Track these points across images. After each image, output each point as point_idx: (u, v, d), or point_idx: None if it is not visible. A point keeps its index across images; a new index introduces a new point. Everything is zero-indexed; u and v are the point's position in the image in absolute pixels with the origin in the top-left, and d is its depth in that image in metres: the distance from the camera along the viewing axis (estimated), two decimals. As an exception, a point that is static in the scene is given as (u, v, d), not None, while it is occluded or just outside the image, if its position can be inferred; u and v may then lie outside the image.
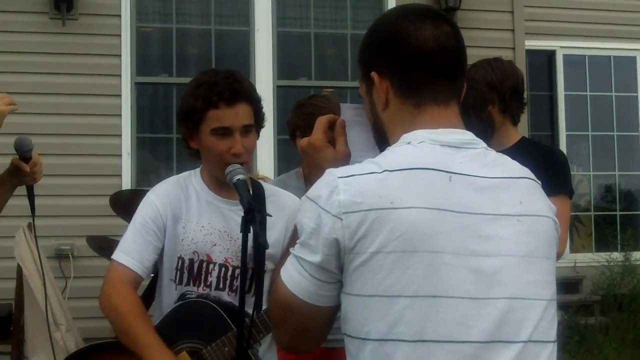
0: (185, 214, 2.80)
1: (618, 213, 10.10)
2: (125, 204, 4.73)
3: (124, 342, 2.68)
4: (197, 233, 2.78)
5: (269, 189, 2.93)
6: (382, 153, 1.70)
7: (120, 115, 6.81)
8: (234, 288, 2.77)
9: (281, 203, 2.87)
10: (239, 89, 2.72)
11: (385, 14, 1.86)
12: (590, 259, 9.31)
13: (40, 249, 5.69)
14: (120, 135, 6.79)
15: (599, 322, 8.71)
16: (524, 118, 7.79)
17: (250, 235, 2.34)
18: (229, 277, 2.78)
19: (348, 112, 1.91)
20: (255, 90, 2.85)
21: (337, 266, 1.60)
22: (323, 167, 1.73)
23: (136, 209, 2.86)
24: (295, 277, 1.64)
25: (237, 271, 2.76)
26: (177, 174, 2.96)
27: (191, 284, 2.78)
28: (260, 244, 2.28)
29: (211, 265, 2.77)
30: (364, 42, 1.83)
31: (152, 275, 2.93)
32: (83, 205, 6.56)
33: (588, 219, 10.01)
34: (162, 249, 2.80)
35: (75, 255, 6.54)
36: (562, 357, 7.05)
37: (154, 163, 7.18)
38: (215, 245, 2.78)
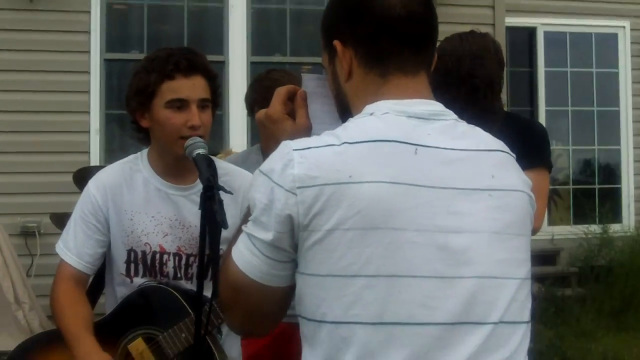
0: (130, 204, 2.66)
1: (596, 186, 10.19)
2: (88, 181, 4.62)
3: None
4: (147, 224, 2.65)
5: (222, 167, 2.72)
6: (343, 125, 1.59)
7: (88, 92, 6.74)
8: (190, 276, 2.67)
9: (234, 184, 2.67)
10: (196, 60, 2.60)
11: None
12: (568, 232, 9.41)
13: (6, 227, 5.63)
14: (89, 112, 6.73)
15: (576, 293, 8.79)
16: (503, 94, 7.77)
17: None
18: (183, 266, 2.67)
19: (310, 83, 1.80)
20: (212, 66, 2.71)
21: (291, 244, 1.50)
22: (281, 140, 1.60)
23: None
24: (246, 256, 1.54)
25: (192, 259, 2.66)
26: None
27: (147, 275, 2.66)
28: (219, 224, 2.14)
29: (165, 256, 2.66)
30: (327, 8, 1.73)
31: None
32: (50, 182, 6.50)
33: (566, 192, 10.09)
34: (109, 242, 2.69)
35: (42, 233, 6.50)
36: (539, 329, 7.07)
37: (122, 140, 7.08)
38: (166, 235, 2.66)
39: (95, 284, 2.83)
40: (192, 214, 2.60)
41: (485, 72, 3.14)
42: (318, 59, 6.38)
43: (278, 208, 1.47)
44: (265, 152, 1.72)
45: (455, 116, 1.64)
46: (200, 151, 2.42)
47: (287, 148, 1.52)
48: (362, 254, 1.44)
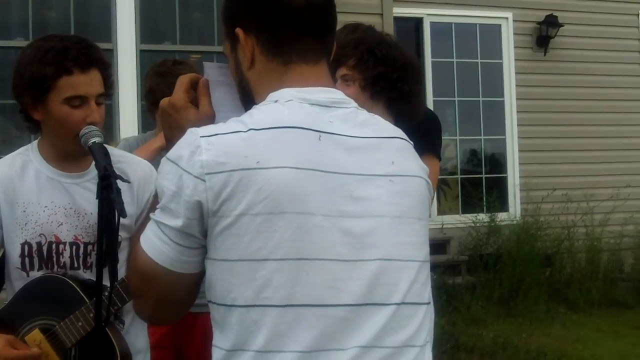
0: (23, 196, 2.60)
1: (483, 176, 10.44)
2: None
3: None
4: (40, 215, 2.59)
5: (115, 154, 2.67)
6: (248, 112, 1.61)
7: (-29, 80, 6.48)
8: (89, 265, 2.62)
9: (127, 171, 2.65)
10: (93, 54, 2.54)
11: None
12: (457, 221, 9.61)
13: None
14: (-29, 102, 6.49)
15: (466, 281, 9.01)
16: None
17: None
18: (81, 255, 2.62)
19: (212, 71, 1.81)
20: (106, 57, 2.67)
21: (200, 231, 1.52)
22: (185, 128, 1.62)
23: None
24: (155, 244, 1.55)
25: (90, 247, 2.62)
26: (31, 142, 2.75)
27: (44, 268, 2.60)
28: (118, 213, 2.12)
29: (61, 246, 2.60)
30: None
31: None
32: None
33: (455, 182, 10.31)
34: (2, 237, 2.62)
35: None
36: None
37: (10, 130, 6.87)
38: (61, 224, 2.60)
39: None
40: (87, 202, 2.56)
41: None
42: (208, 47, 6.34)
43: (187, 194, 1.49)
44: (169, 140, 1.72)
45: (355, 104, 1.69)
46: (96, 140, 2.40)
47: (194, 135, 1.53)
48: (271, 238, 1.47)
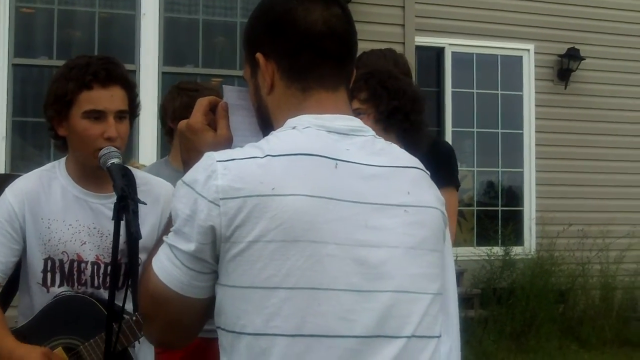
0: (48, 212, 2.63)
1: (500, 209, 10.38)
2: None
3: None
4: (64, 232, 2.62)
5: (141, 176, 2.74)
6: (266, 137, 1.61)
7: (-5, 98, 6.52)
8: (108, 285, 2.62)
9: (154, 192, 2.70)
10: (114, 70, 2.58)
11: None
12: (472, 253, 9.52)
13: None
14: (-5, 119, 6.51)
15: (479, 315, 8.93)
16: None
17: (122, 227, 2.19)
18: (102, 275, 2.63)
19: (231, 94, 1.81)
20: (130, 77, 2.70)
21: (212, 256, 1.51)
22: (202, 151, 1.62)
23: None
24: (167, 267, 1.54)
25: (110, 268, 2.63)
26: (54, 159, 2.77)
27: (65, 284, 2.62)
28: (133, 234, 2.13)
29: (83, 265, 2.62)
30: (250, 21, 1.74)
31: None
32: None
33: (470, 213, 10.25)
34: (25, 251, 2.64)
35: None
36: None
37: (30, 148, 6.88)
38: (84, 243, 2.63)
39: (6, 292, 2.76)
40: (111, 223, 2.58)
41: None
42: (229, 71, 6.36)
43: (201, 219, 1.48)
44: (186, 163, 1.72)
45: (373, 132, 1.68)
46: (115, 161, 2.41)
47: (210, 159, 1.53)
48: (283, 266, 1.46)
